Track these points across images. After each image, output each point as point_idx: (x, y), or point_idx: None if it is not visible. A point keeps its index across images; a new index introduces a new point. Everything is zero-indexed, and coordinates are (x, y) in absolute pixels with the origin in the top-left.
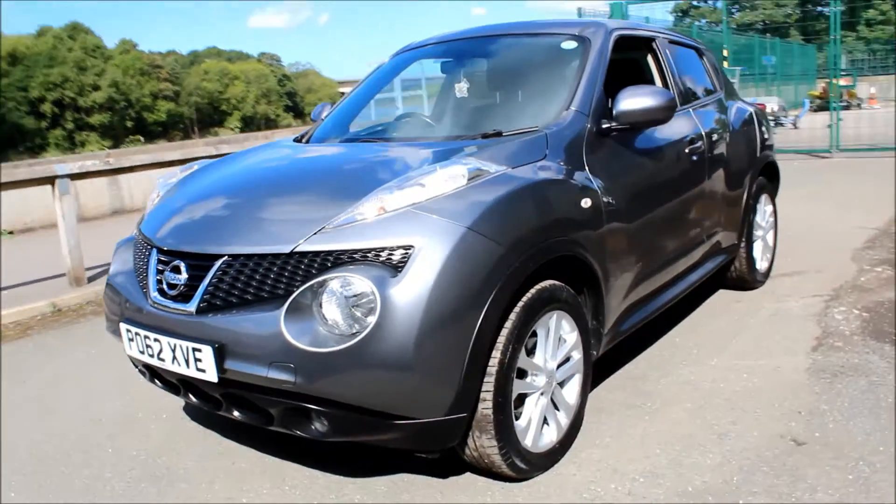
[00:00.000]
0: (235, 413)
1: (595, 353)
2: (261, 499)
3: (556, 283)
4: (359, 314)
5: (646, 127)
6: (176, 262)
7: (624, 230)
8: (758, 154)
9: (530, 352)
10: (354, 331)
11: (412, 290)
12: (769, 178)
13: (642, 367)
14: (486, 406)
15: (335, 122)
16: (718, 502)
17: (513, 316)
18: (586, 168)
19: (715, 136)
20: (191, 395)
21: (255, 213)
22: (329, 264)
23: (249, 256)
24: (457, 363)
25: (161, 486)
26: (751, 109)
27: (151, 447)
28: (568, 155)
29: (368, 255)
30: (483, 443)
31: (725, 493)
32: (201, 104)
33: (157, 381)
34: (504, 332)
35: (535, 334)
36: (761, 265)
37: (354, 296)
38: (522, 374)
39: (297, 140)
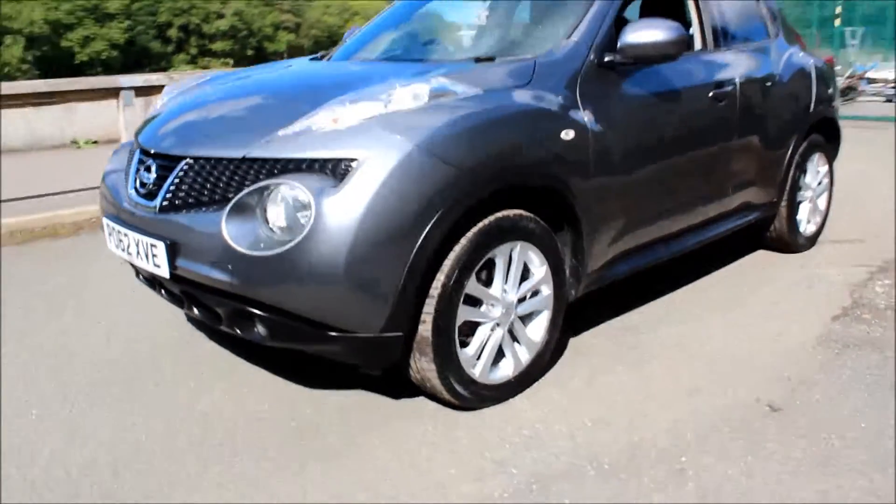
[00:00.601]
0: (194, 310)
1: (573, 292)
2: (214, 400)
3: (524, 213)
4: (294, 222)
5: (653, 62)
6: (149, 163)
7: (618, 171)
8: (811, 109)
9: (489, 282)
10: (288, 238)
11: (348, 202)
12: (827, 137)
13: (640, 318)
14: (425, 328)
15: (353, 43)
16: (660, 457)
17: (463, 241)
18: (578, 100)
19: (753, 84)
20: (162, 291)
21: (224, 120)
22: (276, 171)
23: (207, 160)
24: (391, 280)
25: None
26: (810, 61)
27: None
28: (556, 84)
29: (315, 165)
30: (423, 365)
31: (672, 449)
32: (320, 37)
33: (139, 276)
34: (451, 255)
35: (493, 264)
36: (807, 228)
37: (291, 203)
38: (476, 301)
39: (314, 59)
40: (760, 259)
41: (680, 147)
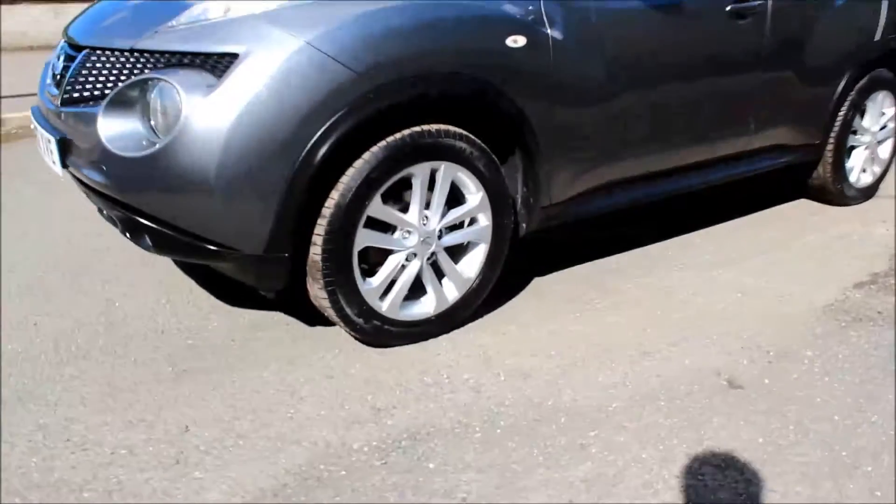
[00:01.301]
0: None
1: (524, 225)
2: (126, 310)
3: (450, 129)
4: (165, 122)
5: None
6: (60, 52)
7: (592, 91)
8: (877, 37)
9: (406, 207)
10: (156, 139)
11: (222, 103)
12: None
13: (627, 262)
14: (315, 251)
15: None
16: (568, 425)
17: (366, 156)
18: (541, 3)
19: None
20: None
21: (135, 10)
22: (160, 65)
23: (102, 50)
24: (270, 194)
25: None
26: None
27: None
28: None
29: (197, 59)
30: (316, 292)
31: (588, 418)
32: None
33: None
34: (349, 171)
35: (409, 185)
36: (860, 178)
37: (163, 101)
38: (386, 227)
39: None
40: (800, 209)
41: (682, 70)
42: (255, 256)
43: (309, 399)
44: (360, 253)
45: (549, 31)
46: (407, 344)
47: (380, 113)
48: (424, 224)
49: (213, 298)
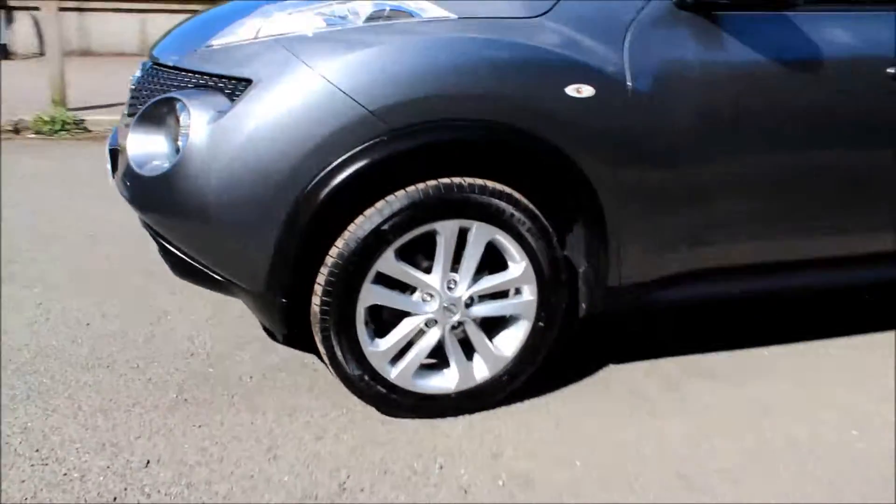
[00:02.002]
0: None
1: (584, 305)
2: (185, 318)
3: (489, 185)
4: (176, 144)
5: (783, 7)
6: (142, 63)
7: (678, 154)
8: None
9: (429, 268)
10: (167, 161)
11: (228, 129)
12: None
13: (721, 363)
14: (315, 301)
15: None
16: None
17: (380, 204)
18: (624, 50)
19: None
20: None
21: (201, 26)
22: (191, 85)
23: (158, 65)
24: (268, 230)
25: None
26: None
27: None
28: (589, 24)
29: (220, 82)
30: (319, 344)
31: None
32: None
33: None
34: (358, 220)
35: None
36: None
37: (178, 123)
38: (406, 286)
39: None
40: None
41: (815, 142)
42: (257, 294)
43: (283, 459)
44: (374, 309)
45: (629, 82)
46: (417, 418)
47: (396, 158)
48: (450, 289)
49: (259, 329)
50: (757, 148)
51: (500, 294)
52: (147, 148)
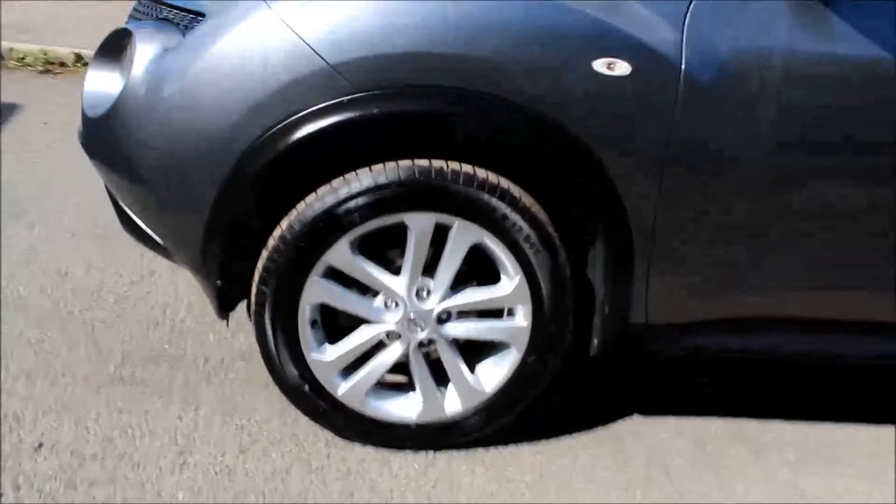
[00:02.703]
0: None
1: (595, 341)
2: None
3: (481, 174)
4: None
5: None
6: None
7: (739, 167)
8: None
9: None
10: (108, 103)
11: (167, 71)
12: None
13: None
14: (253, 289)
15: None
16: None
17: (336, 182)
18: (686, 20)
19: None
20: None
21: None
22: (159, 16)
23: None
24: (200, 196)
25: None
26: None
27: None
28: None
29: (182, 15)
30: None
31: None
32: None
33: None
34: (308, 198)
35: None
36: None
37: (127, 59)
38: (367, 288)
39: None
40: None
41: None
42: (192, 269)
43: (189, 470)
44: (330, 310)
45: (683, 65)
46: (368, 445)
47: (360, 126)
48: (421, 298)
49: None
50: (857, 170)
51: (489, 313)
52: (101, 85)
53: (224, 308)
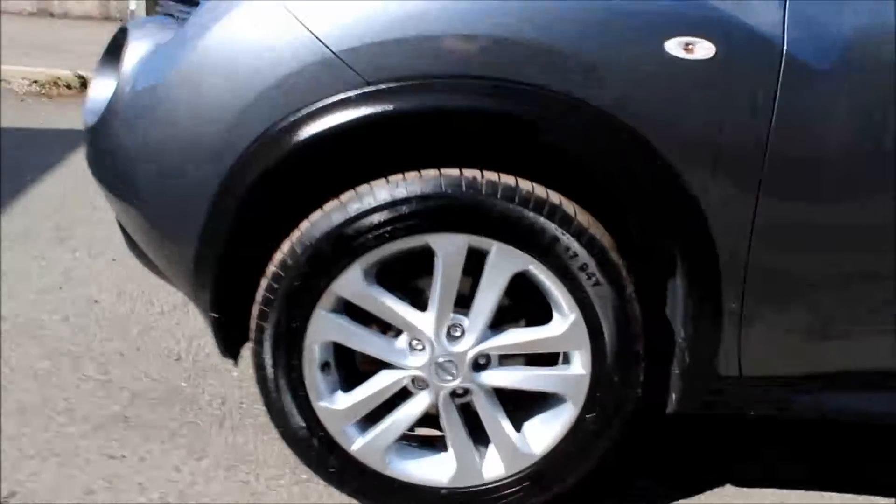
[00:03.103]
0: None
1: (674, 396)
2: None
3: (524, 186)
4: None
5: None
6: None
7: (863, 180)
8: None
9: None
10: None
11: (156, 69)
12: None
13: None
14: (252, 323)
15: None
16: None
17: (345, 197)
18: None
19: None
20: None
21: None
22: (169, 11)
23: None
24: (191, 211)
25: None
26: None
27: None
28: None
29: (178, 6)
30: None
31: None
32: None
33: None
34: (314, 215)
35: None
36: None
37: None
38: (386, 327)
39: None
40: None
41: None
42: (190, 292)
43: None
44: (345, 351)
45: (785, 47)
46: None
47: (373, 128)
48: (453, 338)
49: None
50: None
51: (538, 359)
52: (100, 91)
53: (228, 346)
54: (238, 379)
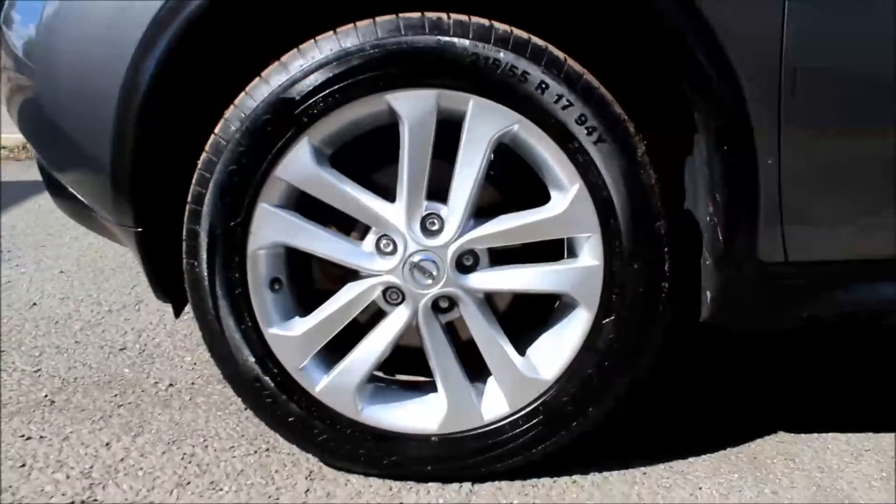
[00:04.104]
0: None
1: (708, 296)
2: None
3: (502, 28)
4: None
5: None
6: None
7: None
8: None
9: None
10: None
11: None
12: None
13: None
14: (184, 230)
15: None
16: None
17: (287, 57)
18: None
19: None
20: None
21: None
22: None
23: None
24: (103, 102)
25: None
26: None
27: None
28: None
29: None
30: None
31: None
32: None
33: None
34: (251, 84)
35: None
36: None
37: None
38: (351, 224)
39: None
40: None
41: None
42: (111, 222)
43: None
44: (300, 263)
45: None
46: (365, 474)
47: None
48: (429, 231)
49: None
50: None
51: (535, 256)
52: None
53: (161, 279)
54: (191, 363)
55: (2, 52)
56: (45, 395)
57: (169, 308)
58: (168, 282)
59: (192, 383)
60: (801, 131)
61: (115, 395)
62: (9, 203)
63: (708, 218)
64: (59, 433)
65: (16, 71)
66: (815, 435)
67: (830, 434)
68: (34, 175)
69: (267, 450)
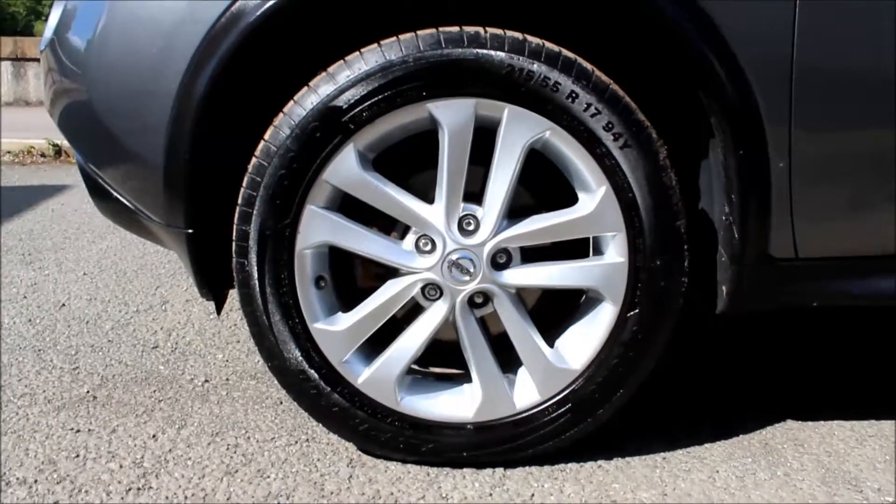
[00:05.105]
0: None
1: (724, 290)
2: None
3: (534, 41)
4: None
5: None
6: None
7: None
8: None
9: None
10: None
11: None
12: None
13: None
14: (234, 231)
15: None
16: None
17: (335, 67)
18: None
19: None
20: None
21: None
22: None
23: None
24: (158, 101)
25: None
26: None
27: None
28: None
29: None
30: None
31: None
32: None
33: None
34: (300, 94)
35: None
36: None
37: None
38: (392, 225)
39: None
40: None
41: None
42: (161, 225)
43: (148, 491)
44: (342, 262)
45: None
46: (403, 461)
47: None
48: (466, 231)
49: None
50: None
51: (565, 253)
52: (54, 14)
53: (207, 279)
54: (224, 360)
55: (50, 56)
56: (87, 391)
57: (196, 308)
58: (213, 281)
59: (227, 379)
60: (809, 135)
61: (154, 391)
62: (22, 207)
63: (724, 217)
64: (105, 426)
65: (64, 75)
66: (822, 422)
67: (835, 421)
68: (41, 179)
69: (307, 440)
